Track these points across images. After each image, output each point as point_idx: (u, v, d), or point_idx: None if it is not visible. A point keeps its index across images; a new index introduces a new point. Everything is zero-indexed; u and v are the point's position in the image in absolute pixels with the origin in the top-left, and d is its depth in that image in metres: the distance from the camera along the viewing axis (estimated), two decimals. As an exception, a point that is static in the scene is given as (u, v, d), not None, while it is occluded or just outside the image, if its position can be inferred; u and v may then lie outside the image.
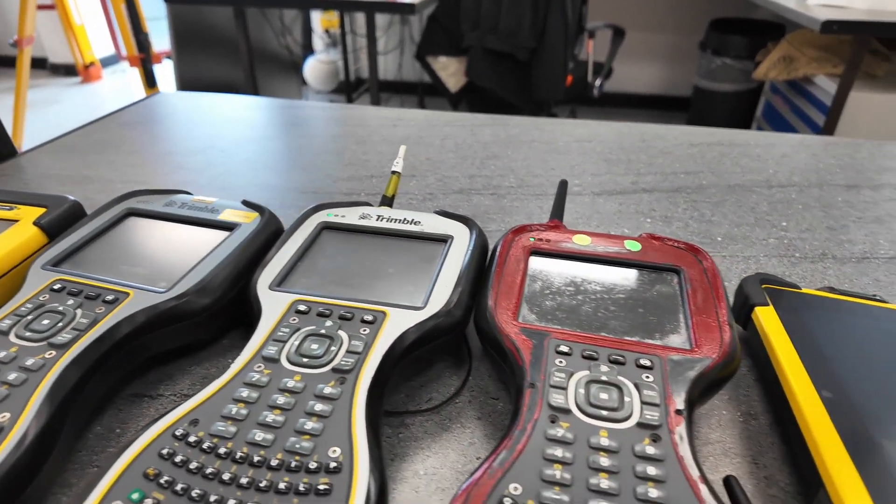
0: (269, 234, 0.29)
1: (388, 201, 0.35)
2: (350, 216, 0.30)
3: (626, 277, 0.27)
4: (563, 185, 0.36)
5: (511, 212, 0.42)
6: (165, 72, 2.47)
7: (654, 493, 0.17)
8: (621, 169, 0.49)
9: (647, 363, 0.22)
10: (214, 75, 1.96)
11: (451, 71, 1.75)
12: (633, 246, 0.28)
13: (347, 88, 2.70)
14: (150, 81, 1.76)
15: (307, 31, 2.91)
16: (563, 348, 0.22)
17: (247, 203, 0.31)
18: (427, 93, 2.73)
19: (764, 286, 0.28)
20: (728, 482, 0.21)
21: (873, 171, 0.49)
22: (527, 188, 0.45)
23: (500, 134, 0.56)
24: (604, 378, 0.21)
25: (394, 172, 0.36)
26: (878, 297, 0.29)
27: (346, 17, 2.67)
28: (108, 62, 3.32)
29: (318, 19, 2.88)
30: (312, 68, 2.81)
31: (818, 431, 0.20)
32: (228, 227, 0.29)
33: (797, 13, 1.43)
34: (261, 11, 2.07)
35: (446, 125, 0.58)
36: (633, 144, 0.54)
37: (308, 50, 2.93)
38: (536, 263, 0.27)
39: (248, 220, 0.30)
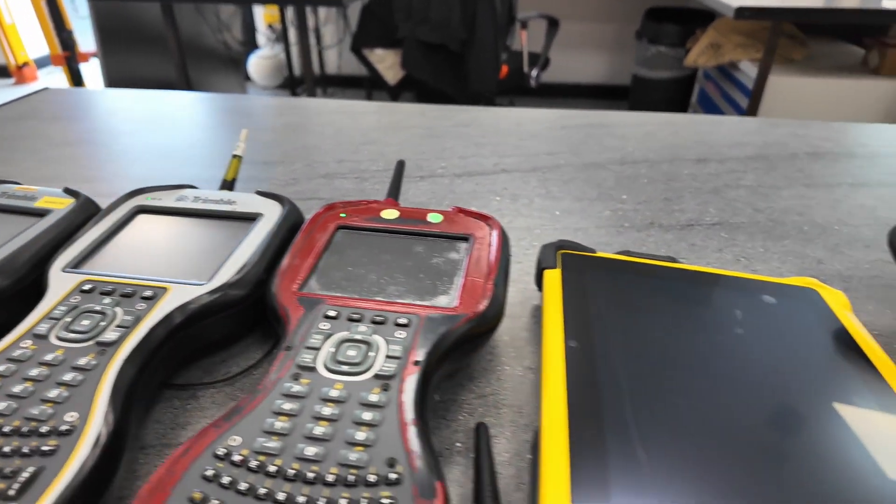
0: (80, 219, 0.30)
1: (228, 185, 0.36)
2: (167, 199, 0.31)
3: (419, 247, 0.28)
4: (399, 166, 0.37)
5: (370, 194, 0.43)
6: (95, 71, 2.41)
7: (361, 435, 0.19)
8: (487, 151, 0.50)
9: (405, 321, 0.23)
10: (146, 73, 1.91)
11: (388, 63, 1.76)
12: (436, 218, 0.30)
13: (291, 83, 2.67)
14: (76, 80, 1.72)
15: (250, 27, 2.87)
16: (331, 313, 0.23)
17: (67, 190, 0.32)
18: (375, 87, 2.72)
19: (561, 252, 0.30)
20: (476, 429, 0.22)
21: (726, 145, 0.52)
22: (392, 171, 0.47)
23: (383, 120, 0.57)
24: (357, 337, 0.22)
25: (234, 156, 0.37)
26: (669, 258, 0.31)
27: (288, 12, 2.64)
28: (44, 62, 3.21)
29: (261, 15, 2.85)
30: (256, 65, 2.77)
31: (549, 376, 0.22)
32: (39, 213, 0.30)
33: (715, 0, 1.48)
34: (196, 8, 2.03)
35: (333, 113, 0.59)
36: (508, 128, 0.55)
37: (252, 46, 2.89)
38: (340, 237, 0.29)
39: (61, 206, 0.30)
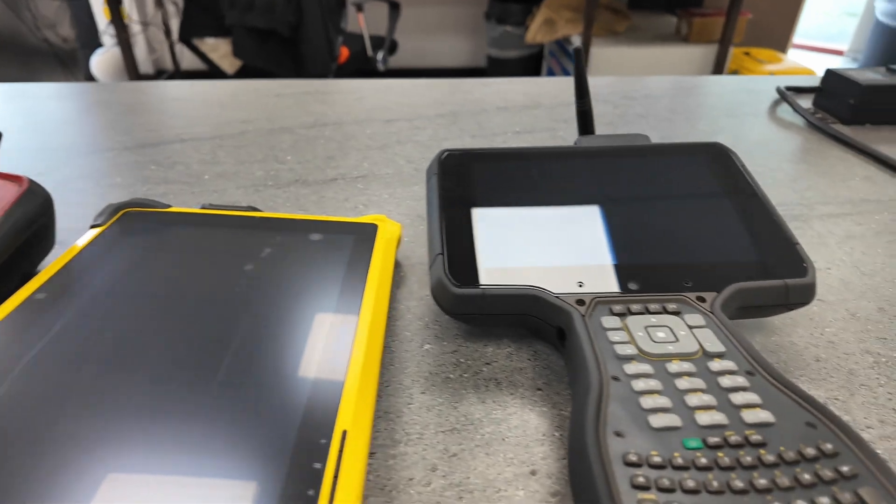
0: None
1: None
2: None
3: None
4: (-5, 138, 0.35)
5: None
6: None
7: None
8: (180, 123, 0.49)
9: None
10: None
11: (221, 52, 1.68)
12: (-35, 185, 0.28)
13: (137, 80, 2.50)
14: None
15: (90, 25, 2.65)
16: None
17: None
18: (222, 78, 2.61)
19: (126, 210, 0.29)
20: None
21: (430, 105, 0.53)
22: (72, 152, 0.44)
23: (93, 99, 0.54)
24: None
25: None
26: (249, 207, 0.31)
27: (131, 7, 2.46)
28: None
29: (101, 11, 2.64)
30: (98, 63, 2.57)
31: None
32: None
33: (532, -23, 1.54)
34: (4, 4, 1.84)
35: (54, 98, 0.55)
36: (220, 100, 0.54)
37: (95, 44, 2.68)
38: None
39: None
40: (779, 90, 0.54)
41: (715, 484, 0.15)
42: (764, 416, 0.17)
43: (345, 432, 0.18)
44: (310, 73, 1.61)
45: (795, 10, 2.15)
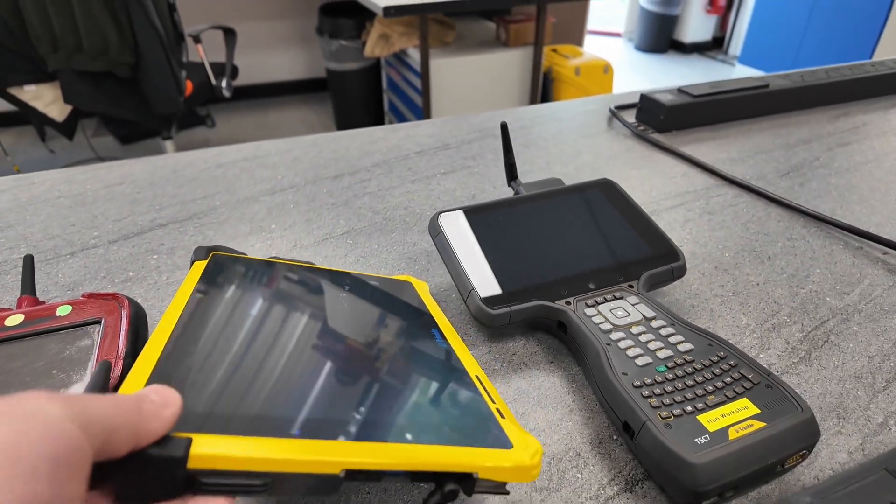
0: None
1: None
2: None
3: (50, 344, 0.31)
4: (28, 260, 0.38)
5: (11, 291, 0.43)
6: None
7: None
8: (144, 208, 0.53)
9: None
10: None
11: (47, 100, 1.54)
12: (65, 311, 0.33)
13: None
14: None
15: None
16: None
17: None
18: (44, 122, 2.33)
19: (213, 252, 0.35)
20: None
21: (358, 157, 0.63)
22: (19, 259, 0.46)
23: (21, 196, 0.55)
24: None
25: None
26: (307, 262, 0.39)
27: None
28: None
29: None
30: None
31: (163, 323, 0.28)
32: None
33: (368, 1, 1.65)
34: None
35: (-43, 201, 0.54)
36: (164, 177, 0.58)
37: None
38: (-40, 357, 0.30)
39: None
40: (611, 110, 0.73)
41: (680, 385, 0.29)
42: (688, 346, 0.32)
43: (477, 376, 0.29)
44: (159, 112, 1.55)
45: (584, 9, 2.53)
